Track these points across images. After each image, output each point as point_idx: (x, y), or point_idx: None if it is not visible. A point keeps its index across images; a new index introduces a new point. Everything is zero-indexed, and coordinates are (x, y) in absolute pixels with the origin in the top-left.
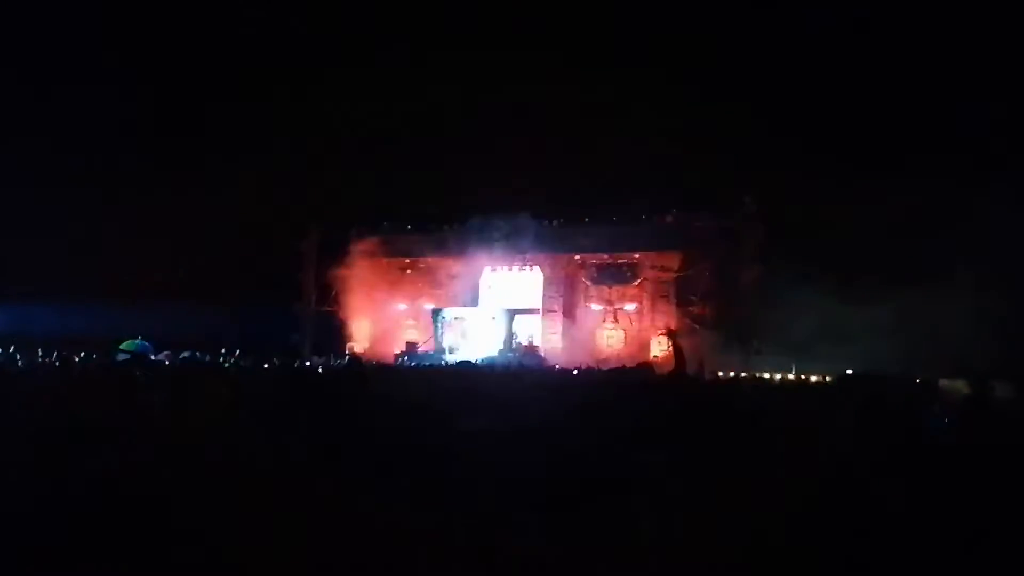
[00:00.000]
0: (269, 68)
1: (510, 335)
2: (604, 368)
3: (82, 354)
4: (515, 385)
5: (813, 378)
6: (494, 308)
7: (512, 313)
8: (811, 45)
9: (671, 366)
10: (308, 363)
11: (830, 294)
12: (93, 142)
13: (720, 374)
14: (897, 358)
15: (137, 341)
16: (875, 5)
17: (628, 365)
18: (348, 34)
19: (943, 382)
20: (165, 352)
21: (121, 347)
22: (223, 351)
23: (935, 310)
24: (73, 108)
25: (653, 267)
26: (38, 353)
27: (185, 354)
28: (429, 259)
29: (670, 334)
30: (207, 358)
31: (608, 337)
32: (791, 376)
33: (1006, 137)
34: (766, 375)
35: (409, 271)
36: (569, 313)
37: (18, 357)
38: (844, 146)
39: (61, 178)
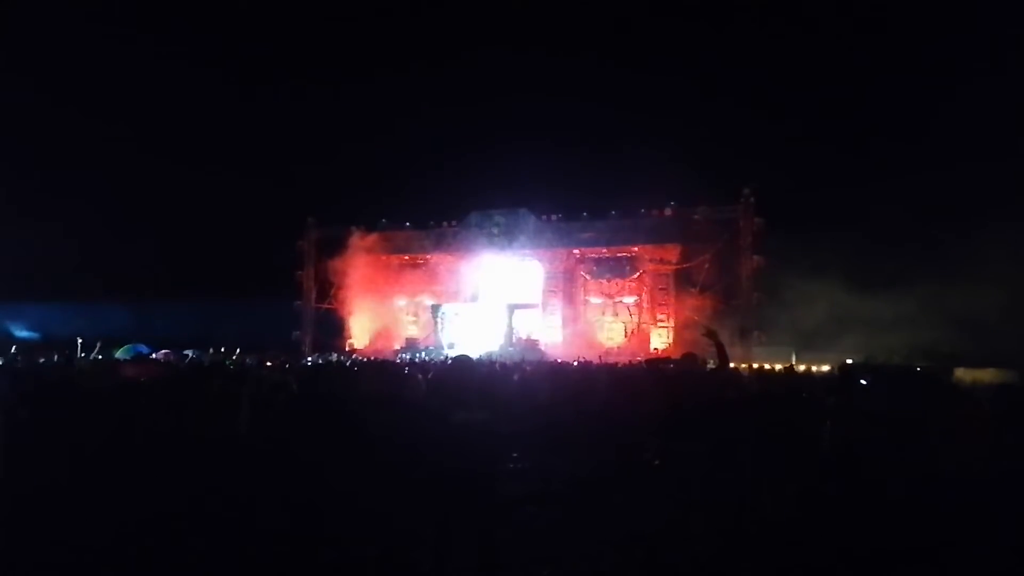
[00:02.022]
0: (269, 65)
1: (510, 330)
2: (606, 361)
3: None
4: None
5: (815, 367)
6: (493, 303)
7: (512, 308)
8: (807, 35)
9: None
10: (308, 360)
11: (831, 284)
12: (92, 139)
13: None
14: (900, 348)
15: (132, 346)
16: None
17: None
18: (347, 33)
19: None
20: (164, 351)
21: (117, 355)
22: (222, 349)
23: (941, 299)
24: (71, 105)
25: (652, 260)
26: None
27: (187, 352)
28: (428, 255)
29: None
30: (211, 356)
31: (608, 330)
32: (791, 365)
33: (1004, 124)
34: (766, 365)
35: (408, 267)
36: (569, 307)
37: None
38: (842, 136)
39: (56, 176)
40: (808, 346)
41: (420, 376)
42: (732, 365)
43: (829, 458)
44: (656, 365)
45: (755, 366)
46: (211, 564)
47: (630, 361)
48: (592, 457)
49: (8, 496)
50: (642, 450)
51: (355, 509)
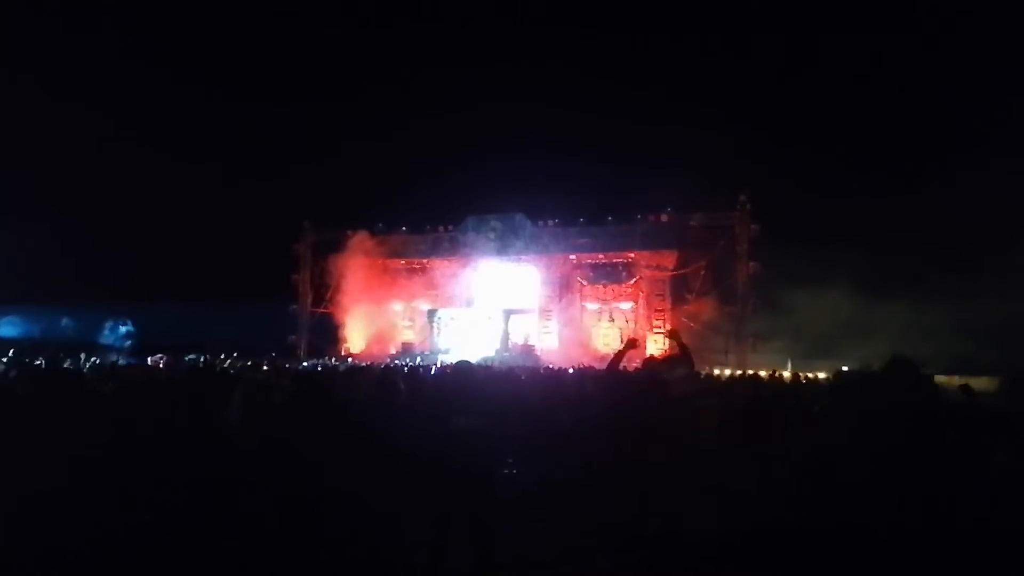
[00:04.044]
0: (267, 71)
1: (506, 335)
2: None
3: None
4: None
5: (810, 375)
6: (490, 308)
7: (508, 313)
8: (804, 42)
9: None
10: (304, 364)
11: (828, 291)
12: (87, 141)
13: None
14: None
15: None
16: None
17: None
18: (345, 37)
19: (939, 379)
20: (159, 355)
21: None
22: (221, 355)
23: (940, 307)
24: (66, 106)
25: (648, 266)
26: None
27: (191, 357)
28: (425, 259)
29: (673, 334)
30: (207, 359)
31: (604, 336)
32: (786, 373)
33: (1001, 129)
34: (762, 372)
35: (405, 272)
36: (565, 312)
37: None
38: (838, 144)
39: (52, 178)
40: (805, 353)
41: (402, 384)
42: (730, 372)
43: (814, 463)
44: (615, 367)
45: (750, 372)
46: (208, 564)
47: (624, 367)
48: (588, 460)
49: (8, 497)
50: (637, 453)
51: (352, 510)
